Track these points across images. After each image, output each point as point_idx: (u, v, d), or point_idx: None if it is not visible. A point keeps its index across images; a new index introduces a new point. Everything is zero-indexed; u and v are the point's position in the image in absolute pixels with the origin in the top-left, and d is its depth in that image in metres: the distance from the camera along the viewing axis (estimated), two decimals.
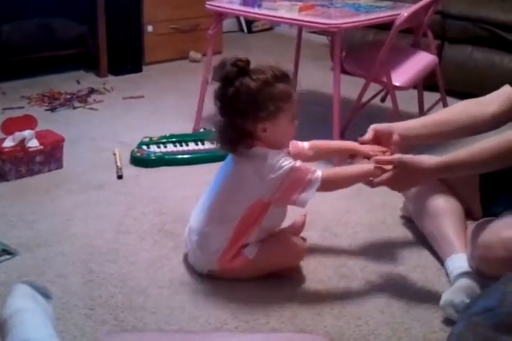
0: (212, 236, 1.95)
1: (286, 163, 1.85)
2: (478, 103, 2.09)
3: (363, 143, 2.04)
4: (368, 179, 1.91)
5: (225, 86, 1.84)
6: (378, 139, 2.04)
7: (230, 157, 1.96)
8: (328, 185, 1.90)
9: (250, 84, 1.81)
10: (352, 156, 2.08)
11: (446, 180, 2.16)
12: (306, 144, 2.10)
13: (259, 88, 1.82)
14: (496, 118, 2.02)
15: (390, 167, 1.88)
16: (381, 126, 2.07)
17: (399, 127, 2.07)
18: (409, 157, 1.88)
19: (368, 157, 2.00)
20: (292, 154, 1.98)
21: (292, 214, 2.27)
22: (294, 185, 1.86)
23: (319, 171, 1.88)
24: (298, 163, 1.87)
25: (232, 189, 1.93)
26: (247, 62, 1.85)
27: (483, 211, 2.11)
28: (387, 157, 1.94)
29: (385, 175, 1.87)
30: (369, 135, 2.04)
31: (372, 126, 2.07)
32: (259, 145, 1.87)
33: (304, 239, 2.19)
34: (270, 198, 1.89)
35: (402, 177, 1.87)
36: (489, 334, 1.11)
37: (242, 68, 1.83)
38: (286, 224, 2.18)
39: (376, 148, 2.02)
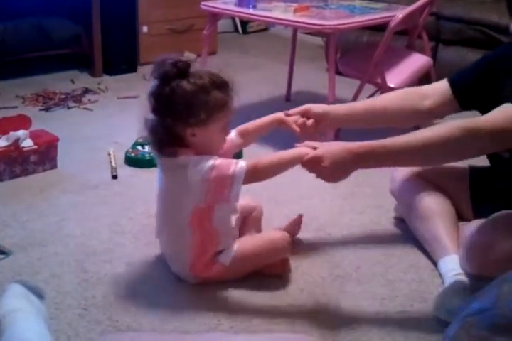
0: (175, 250, 1.95)
1: (207, 164, 1.80)
2: (416, 94, 2.10)
3: (287, 115, 2.02)
4: (299, 162, 1.82)
5: (161, 84, 1.80)
6: (308, 117, 2.02)
7: (159, 168, 1.92)
8: (256, 174, 1.84)
9: (186, 87, 1.78)
10: (279, 125, 2.03)
11: (434, 180, 2.17)
12: (232, 134, 2.03)
13: (194, 93, 1.78)
14: (432, 112, 2.04)
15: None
16: (316, 108, 2.03)
17: (335, 111, 2.05)
18: (334, 142, 1.86)
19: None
20: (221, 150, 1.95)
21: (289, 216, 2.27)
22: (220, 182, 1.81)
23: (243, 162, 1.83)
24: (218, 161, 1.81)
25: (169, 202, 1.92)
26: (188, 64, 1.81)
27: (473, 212, 2.11)
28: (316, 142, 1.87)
29: (312, 152, 1.79)
30: (294, 111, 2.02)
31: (307, 106, 2.04)
32: (184, 153, 1.83)
33: (298, 242, 2.19)
34: (205, 202, 1.85)
35: (329, 158, 1.77)
36: (483, 335, 1.12)
37: (181, 70, 1.79)
38: (281, 225, 2.19)
39: (301, 120, 1.99)
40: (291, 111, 2.03)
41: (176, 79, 1.79)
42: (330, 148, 1.80)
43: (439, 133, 1.76)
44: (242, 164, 1.82)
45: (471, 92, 2.04)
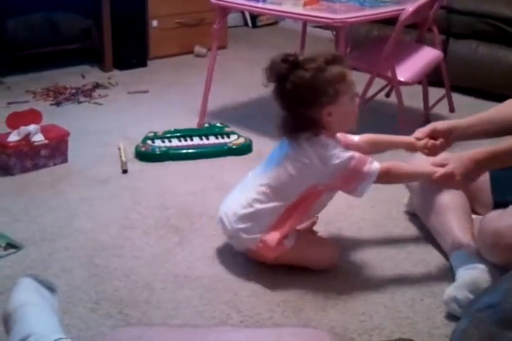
0: (262, 213, 1.96)
1: (346, 152, 1.90)
2: None
3: (417, 139, 2.06)
4: (428, 179, 1.97)
5: (281, 83, 1.90)
6: (435, 137, 2.05)
7: (286, 142, 1.97)
8: (384, 178, 1.94)
9: (305, 75, 1.87)
10: (409, 148, 2.10)
11: None
12: (355, 138, 2.10)
13: (314, 76, 1.87)
14: None
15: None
16: (441, 126, 2.07)
17: (459, 126, 2.07)
18: (457, 154, 1.96)
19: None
20: (343, 146, 1.99)
21: None
22: (351, 174, 1.90)
23: (377, 163, 1.91)
24: (357, 154, 1.91)
25: (294, 171, 1.94)
26: (296, 56, 1.90)
27: (494, 201, 2.10)
28: (439, 158, 2.00)
29: (442, 170, 1.92)
30: (421, 134, 2.06)
31: (432, 126, 2.08)
32: (324, 134, 1.91)
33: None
34: (326, 185, 1.93)
35: (459, 172, 1.90)
36: (493, 330, 1.11)
37: (293, 62, 1.89)
38: None
39: (430, 142, 2.04)
40: (419, 134, 2.07)
41: (291, 72, 1.88)
42: (457, 163, 1.91)
43: None
44: (376, 165, 1.91)
45: None
